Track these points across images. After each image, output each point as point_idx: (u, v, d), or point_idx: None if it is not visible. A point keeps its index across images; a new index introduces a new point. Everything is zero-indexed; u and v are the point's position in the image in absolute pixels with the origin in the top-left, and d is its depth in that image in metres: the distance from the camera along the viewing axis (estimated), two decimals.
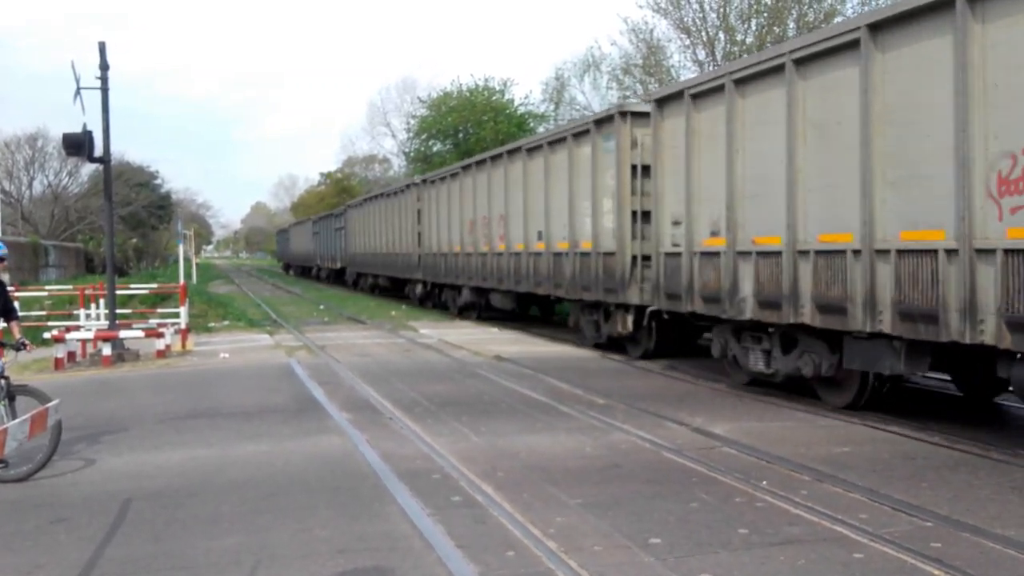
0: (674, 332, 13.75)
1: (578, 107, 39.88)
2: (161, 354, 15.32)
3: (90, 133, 14.25)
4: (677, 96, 12.14)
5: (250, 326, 21.55)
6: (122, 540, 5.74)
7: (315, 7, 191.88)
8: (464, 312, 23.01)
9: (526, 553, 5.37)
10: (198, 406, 10.60)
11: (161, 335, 15.63)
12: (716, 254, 11.10)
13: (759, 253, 10.31)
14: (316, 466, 7.57)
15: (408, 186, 27.86)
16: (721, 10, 29.03)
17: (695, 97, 11.63)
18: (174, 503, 6.52)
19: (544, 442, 8.40)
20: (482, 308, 21.89)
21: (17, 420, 6.92)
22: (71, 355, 14.92)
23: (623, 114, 14.04)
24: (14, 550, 5.58)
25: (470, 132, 41.57)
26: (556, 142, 16.64)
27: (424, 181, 26.15)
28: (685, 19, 29.74)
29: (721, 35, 29.29)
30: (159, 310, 22.48)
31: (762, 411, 9.93)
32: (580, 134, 15.54)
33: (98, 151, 14.78)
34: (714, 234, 11.21)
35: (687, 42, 30.33)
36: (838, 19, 26.45)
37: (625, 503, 6.34)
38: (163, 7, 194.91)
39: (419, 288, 26.79)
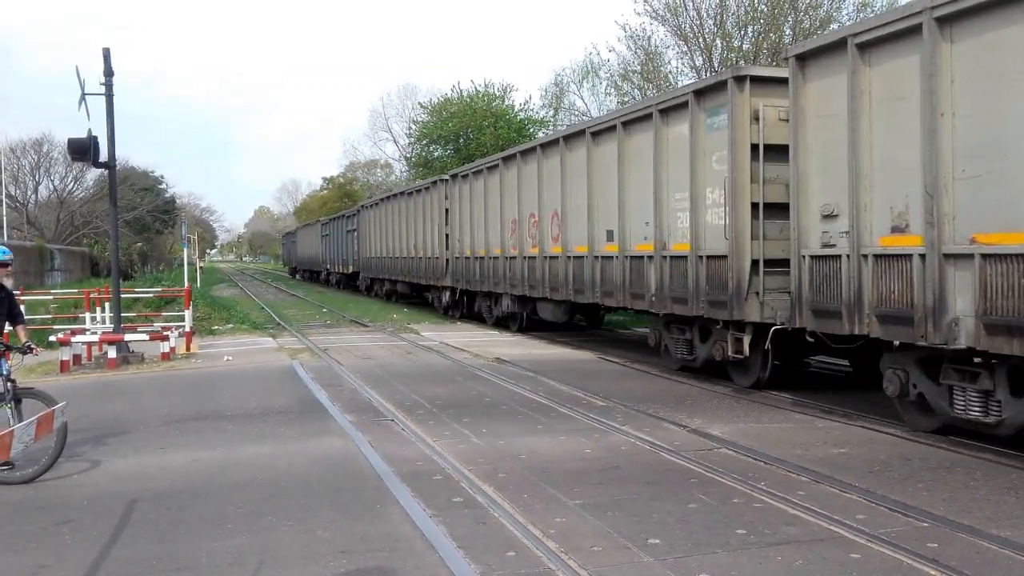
0: (784, 355, 11.34)
1: (577, 112, 40.04)
2: (166, 357, 15.40)
3: (95, 138, 14.33)
4: (834, 48, 9.32)
5: (253, 329, 21.63)
6: (127, 541, 5.81)
7: (317, 13, 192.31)
8: (502, 323, 20.89)
9: (526, 553, 5.43)
10: (202, 408, 10.68)
11: (166, 338, 15.71)
12: (903, 257, 8.41)
13: (986, 256, 7.52)
14: (319, 468, 7.64)
15: (435, 182, 25.08)
16: (718, 17, 29.14)
17: (864, 47, 8.89)
18: (178, 504, 6.60)
19: (544, 444, 8.46)
20: (524, 319, 19.59)
21: (23, 422, 6.98)
22: (76, 358, 15.01)
23: (739, 79, 10.87)
24: (20, 551, 5.65)
25: (470, 137, 41.67)
26: (634, 122, 13.51)
27: (454, 176, 23.34)
28: (683, 26, 29.86)
29: (718, 42, 29.38)
30: (164, 313, 22.62)
31: (760, 413, 9.99)
32: (671, 109, 12.40)
33: (103, 156, 14.85)
34: (898, 230, 8.58)
35: (684, 49, 30.44)
36: (833, 26, 26.57)
37: (624, 504, 6.40)
38: (166, 12, 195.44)
39: (446, 296, 24.52)
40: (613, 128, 14.12)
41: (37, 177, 56.97)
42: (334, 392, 11.66)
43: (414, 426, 9.33)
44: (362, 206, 37.57)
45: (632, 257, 13.62)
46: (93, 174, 53.13)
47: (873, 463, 7.54)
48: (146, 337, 15.97)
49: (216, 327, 21.90)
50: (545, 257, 17.03)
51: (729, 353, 11.35)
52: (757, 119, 10.79)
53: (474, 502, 6.53)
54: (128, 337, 15.53)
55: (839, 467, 7.37)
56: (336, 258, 43.84)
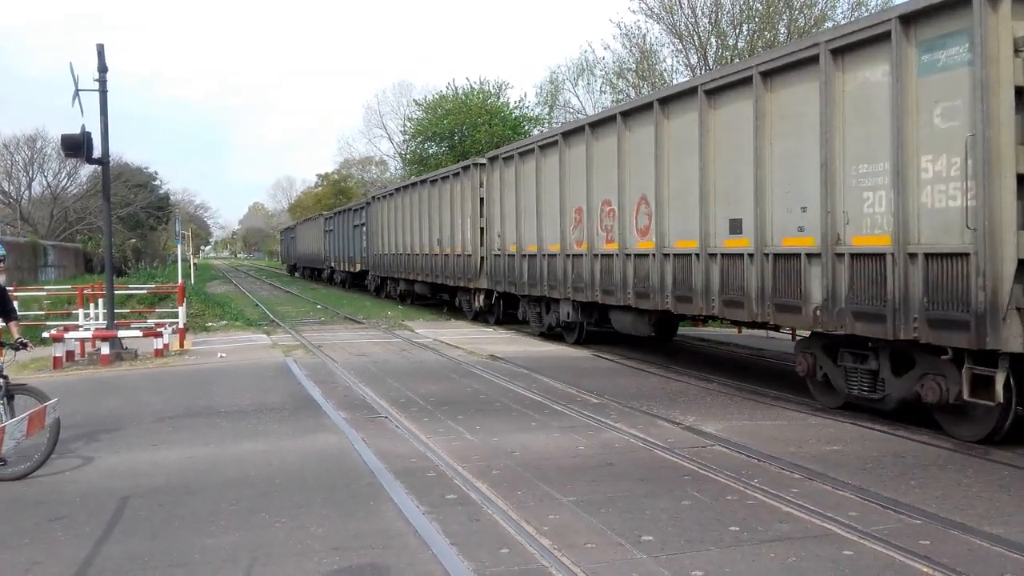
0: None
1: (572, 110, 40.05)
2: (159, 353, 15.37)
3: (89, 134, 14.29)
4: None
5: (248, 326, 21.60)
6: (119, 538, 5.80)
7: (312, 11, 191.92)
8: (553, 333, 17.52)
9: (520, 550, 5.43)
10: (196, 405, 10.65)
11: (159, 334, 15.68)
12: None
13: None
14: (312, 464, 7.63)
15: (466, 167, 21.67)
16: (713, 15, 29.22)
17: None
18: (171, 501, 6.58)
19: (538, 440, 8.46)
20: (584, 328, 16.27)
21: (15, 419, 6.99)
22: (70, 354, 14.96)
23: None
24: (12, 548, 5.63)
25: (465, 135, 41.66)
26: (781, 71, 9.99)
27: (493, 159, 19.74)
28: (677, 24, 29.95)
29: (713, 40, 29.46)
30: (157, 310, 22.54)
31: (753, 410, 10.00)
32: (852, 47, 8.92)
33: (97, 152, 14.82)
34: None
35: (679, 47, 30.51)
36: (828, 24, 26.62)
37: (618, 501, 6.41)
38: (161, 10, 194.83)
39: (479, 299, 21.30)
40: (744, 82, 10.65)
41: (31, 173, 56.81)
42: (328, 389, 11.64)
43: (408, 423, 9.32)
44: (374, 197, 33.75)
45: (778, 255, 10.16)
46: (87, 170, 53.00)
47: (866, 460, 7.56)
48: (140, 334, 15.92)
49: (210, 324, 21.87)
50: (630, 255, 13.52)
51: (963, 395, 7.96)
52: (1019, 51, 7.56)
53: (468, 499, 6.53)
54: (121, 333, 15.49)
55: (832, 464, 7.39)
56: (341, 255, 40.33)
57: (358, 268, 36.48)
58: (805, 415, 9.65)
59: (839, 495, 6.51)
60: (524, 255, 17.73)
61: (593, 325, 15.99)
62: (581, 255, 15.17)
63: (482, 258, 20.53)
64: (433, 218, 24.50)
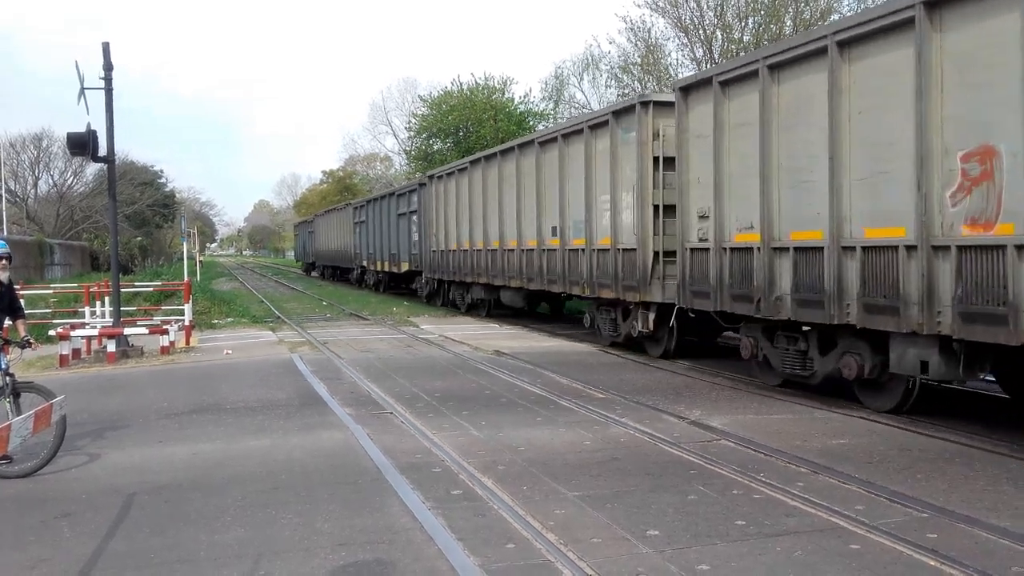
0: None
1: (577, 105, 40.02)
2: (165, 351, 15.40)
3: (94, 133, 14.31)
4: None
5: (253, 323, 21.63)
6: (126, 534, 5.81)
7: (318, 7, 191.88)
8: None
9: (526, 545, 5.43)
10: (202, 402, 10.67)
11: (165, 332, 15.71)
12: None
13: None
14: (318, 460, 7.64)
15: (624, 111, 14.11)
16: (718, 8, 29.13)
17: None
18: (178, 497, 6.59)
19: (543, 436, 8.46)
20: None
21: (21, 416, 7.01)
22: (76, 352, 15.00)
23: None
24: (19, 545, 5.65)
25: (470, 131, 41.62)
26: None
27: (689, 89, 12.25)
28: (683, 18, 29.88)
29: (718, 33, 29.39)
30: (163, 307, 22.60)
31: (759, 404, 9.99)
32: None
33: (102, 151, 14.84)
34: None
35: (685, 40, 30.44)
36: (834, 17, 26.53)
37: (624, 496, 6.40)
38: (165, 7, 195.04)
39: (646, 318, 13.80)
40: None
41: (37, 172, 57.05)
42: (334, 385, 11.65)
43: (413, 419, 9.32)
44: (431, 176, 26.18)
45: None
46: (92, 169, 53.13)
47: (872, 454, 7.54)
48: (146, 331, 15.96)
49: (216, 321, 21.90)
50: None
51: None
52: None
53: (473, 494, 6.53)
54: (128, 331, 15.52)
55: (838, 458, 7.37)
56: (379, 252, 32.91)
57: (404, 268, 29.14)
58: (811, 409, 9.62)
59: (846, 488, 6.49)
60: (774, 247, 10.38)
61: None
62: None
63: (655, 255, 13.40)
64: (545, 196, 17.15)
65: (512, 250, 19.21)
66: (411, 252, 28.41)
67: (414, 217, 28.01)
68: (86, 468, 7.59)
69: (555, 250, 16.84)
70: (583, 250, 15.57)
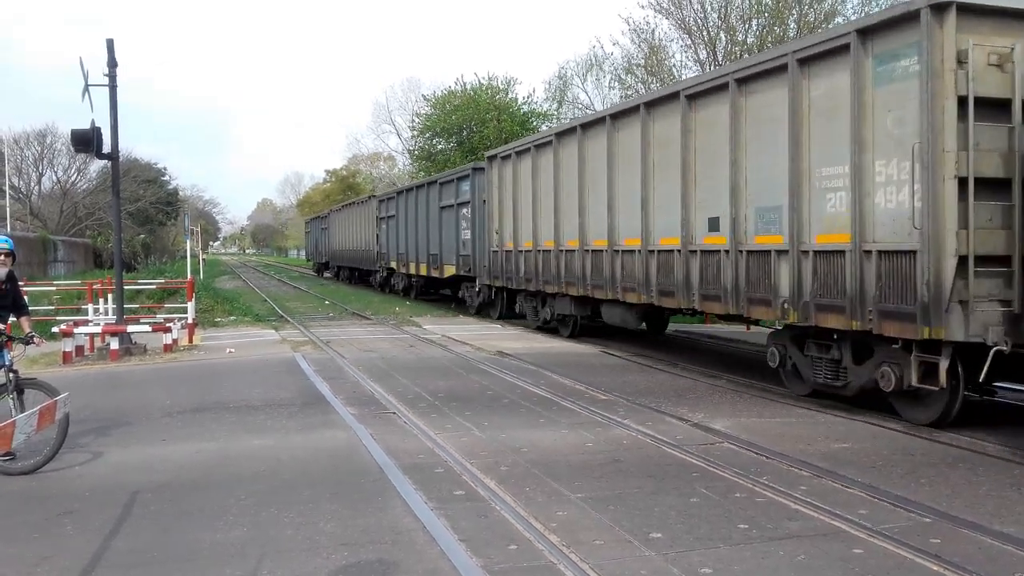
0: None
1: (580, 106, 40.02)
2: (168, 348, 15.41)
3: (98, 129, 14.32)
4: None
5: (256, 321, 21.64)
6: (129, 532, 5.81)
7: (319, 7, 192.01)
8: None
9: (528, 547, 5.43)
10: (205, 400, 10.68)
11: (168, 330, 15.72)
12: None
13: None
14: (321, 460, 7.64)
15: (888, 24, 8.77)
16: (722, 10, 29.13)
17: None
18: (180, 496, 6.60)
19: (546, 437, 8.45)
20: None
21: (26, 413, 7.00)
22: (79, 349, 15.02)
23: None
24: (22, 542, 5.66)
25: (474, 130, 41.60)
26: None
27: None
28: (687, 19, 29.86)
29: (722, 35, 29.38)
30: (166, 305, 22.62)
31: (762, 407, 9.98)
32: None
33: (106, 147, 14.85)
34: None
35: (688, 42, 30.44)
36: (839, 19, 26.50)
37: (626, 498, 6.40)
38: (169, 5, 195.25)
39: (930, 368, 8.49)
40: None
41: (40, 168, 57.12)
42: (336, 384, 11.66)
43: (416, 419, 9.33)
44: (491, 157, 20.63)
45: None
46: (96, 166, 53.23)
47: (875, 458, 7.53)
48: (149, 329, 15.97)
49: (219, 319, 21.92)
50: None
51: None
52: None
53: (476, 495, 6.53)
54: (131, 329, 15.53)
55: (841, 462, 7.36)
56: (412, 252, 27.70)
57: (450, 273, 23.77)
58: (814, 412, 9.62)
59: (849, 493, 6.49)
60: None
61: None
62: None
63: (964, 258, 8.20)
64: (695, 173, 12.26)
65: (632, 251, 13.89)
66: (459, 253, 22.83)
67: (464, 210, 22.57)
68: (89, 466, 7.59)
69: (714, 251, 11.64)
70: (780, 251, 10.29)
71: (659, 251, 13.15)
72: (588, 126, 15.74)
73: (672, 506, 6.19)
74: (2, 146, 51.80)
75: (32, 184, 57.58)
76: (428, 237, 25.85)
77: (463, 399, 10.48)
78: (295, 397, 10.81)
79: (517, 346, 15.79)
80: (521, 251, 18.73)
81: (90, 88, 14.57)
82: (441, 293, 28.70)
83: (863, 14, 26.73)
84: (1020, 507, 6.14)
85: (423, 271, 26.66)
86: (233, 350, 15.61)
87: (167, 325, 15.95)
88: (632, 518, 5.92)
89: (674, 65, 31.62)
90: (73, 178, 57.78)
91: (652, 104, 13.43)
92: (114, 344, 14.84)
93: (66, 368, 13.90)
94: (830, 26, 26.76)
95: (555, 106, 42.10)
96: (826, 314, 9.51)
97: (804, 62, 9.90)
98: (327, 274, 50.31)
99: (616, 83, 35.02)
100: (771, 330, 10.83)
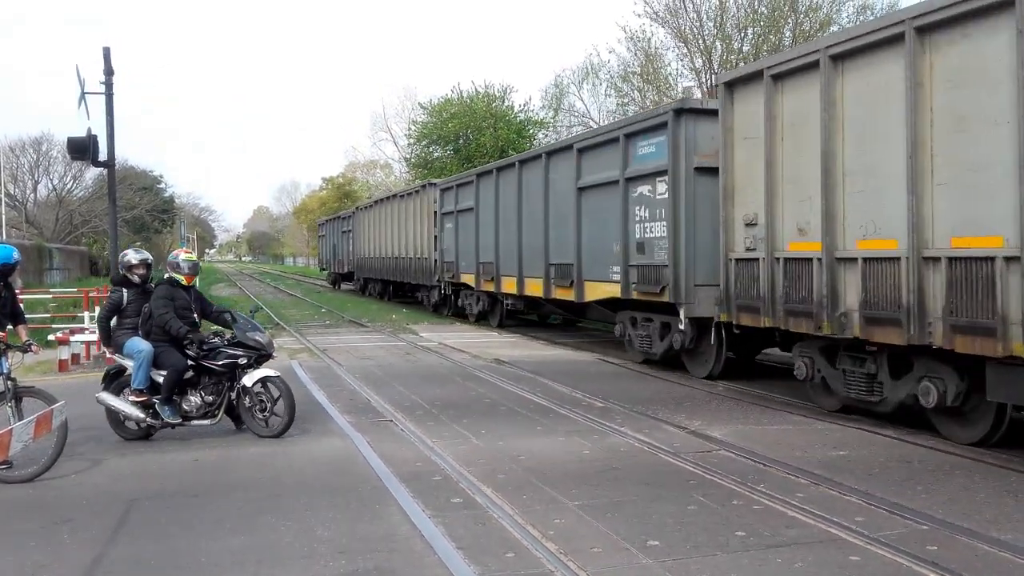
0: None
1: (576, 114, 40.18)
2: None
3: (95, 137, 14.35)
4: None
5: None
6: (126, 540, 5.80)
7: (318, 15, 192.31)
8: None
9: (526, 555, 5.43)
10: None
11: None
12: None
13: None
14: (318, 468, 7.64)
15: None
16: (718, 19, 29.28)
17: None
18: (178, 504, 6.59)
19: (544, 445, 8.46)
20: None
21: (22, 421, 7.02)
22: (75, 357, 14.99)
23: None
24: (19, 550, 5.64)
25: (470, 138, 41.69)
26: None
27: None
28: (682, 28, 30.05)
29: (718, 44, 29.53)
30: None
31: (759, 414, 9.99)
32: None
33: (102, 155, 14.86)
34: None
35: (684, 50, 30.59)
36: (833, 28, 26.63)
37: (624, 505, 6.40)
38: (168, 13, 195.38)
39: None
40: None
41: (36, 176, 57.12)
42: (333, 392, 11.65)
43: (413, 427, 9.32)
44: (733, 81, 11.10)
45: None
46: (92, 173, 53.25)
47: (872, 465, 7.54)
48: None
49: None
50: None
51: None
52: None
53: (473, 503, 6.53)
54: None
55: (838, 469, 7.37)
56: (510, 260, 18.96)
57: (605, 294, 14.75)
58: (811, 419, 9.63)
59: (846, 500, 6.50)
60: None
61: None
62: None
63: None
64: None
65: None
66: (629, 262, 13.71)
67: (645, 188, 13.31)
68: (87, 474, 7.58)
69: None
70: None
71: None
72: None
73: (669, 514, 6.19)
74: None
75: (28, 192, 57.61)
76: (548, 237, 16.91)
77: (460, 407, 10.47)
78: None
79: (514, 354, 15.78)
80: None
81: (87, 96, 14.59)
82: (524, 316, 21.54)
83: (857, 23, 26.91)
84: (1017, 514, 6.15)
85: (533, 289, 17.73)
86: None
87: None
88: (629, 526, 5.93)
89: (670, 73, 31.78)
90: (69, 186, 57.81)
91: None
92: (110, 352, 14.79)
93: (63, 376, 13.86)
94: (825, 34, 26.91)
95: (552, 114, 42.28)
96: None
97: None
98: (346, 285, 43.10)
99: (612, 91, 35.18)
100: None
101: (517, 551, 5.49)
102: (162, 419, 8.70)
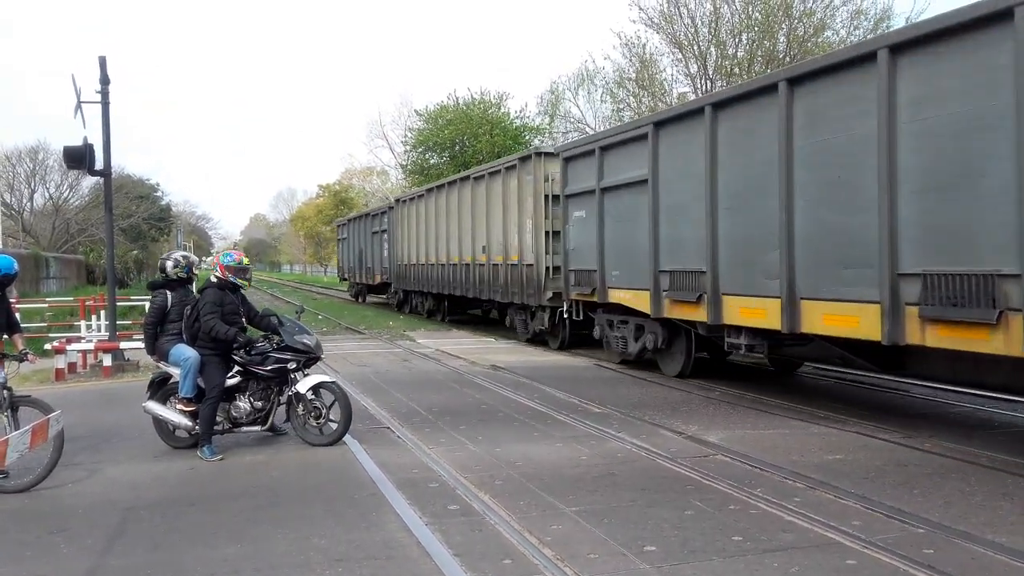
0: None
1: (572, 120, 40.25)
2: None
3: (91, 146, 14.33)
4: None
5: None
6: (122, 550, 5.79)
7: (314, 21, 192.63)
8: None
9: (523, 561, 5.43)
10: None
11: None
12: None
13: None
14: (314, 475, 7.63)
15: None
16: (712, 25, 29.36)
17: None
18: (174, 513, 6.58)
19: (540, 451, 8.46)
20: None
21: (19, 431, 7.01)
22: (72, 366, 14.96)
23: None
24: (15, 560, 5.63)
25: (466, 145, 41.74)
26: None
27: None
28: (677, 34, 30.12)
29: (712, 49, 29.60)
30: None
31: (756, 419, 10.00)
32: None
33: (99, 164, 14.85)
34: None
35: (679, 56, 30.67)
36: (828, 33, 26.71)
37: (621, 511, 6.40)
38: (164, 22, 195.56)
39: None
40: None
41: (32, 185, 56.98)
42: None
43: (410, 433, 9.32)
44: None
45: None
46: (88, 182, 53.14)
47: (869, 469, 7.55)
48: (142, 345, 15.87)
49: None
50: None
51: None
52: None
53: (470, 509, 6.52)
54: (124, 345, 15.47)
55: (835, 473, 7.38)
56: (774, 262, 9.94)
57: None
58: (807, 424, 9.64)
59: (842, 504, 6.51)
60: None
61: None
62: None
63: None
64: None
65: None
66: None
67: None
68: (83, 483, 7.57)
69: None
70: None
71: None
72: None
73: (666, 519, 6.19)
74: None
75: (24, 201, 57.48)
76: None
77: (457, 413, 10.47)
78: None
79: (510, 360, 15.78)
80: None
81: (82, 105, 14.59)
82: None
83: (852, 28, 27.00)
84: (1013, 517, 6.16)
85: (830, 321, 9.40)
86: None
87: None
88: (626, 531, 5.93)
89: (665, 79, 31.85)
90: (65, 194, 57.67)
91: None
92: (107, 361, 14.80)
93: (59, 385, 13.85)
94: (819, 40, 27.01)
95: (547, 120, 42.36)
96: None
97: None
98: (370, 297, 37.11)
99: (608, 97, 35.26)
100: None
101: (514, 557, 5.48)
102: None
